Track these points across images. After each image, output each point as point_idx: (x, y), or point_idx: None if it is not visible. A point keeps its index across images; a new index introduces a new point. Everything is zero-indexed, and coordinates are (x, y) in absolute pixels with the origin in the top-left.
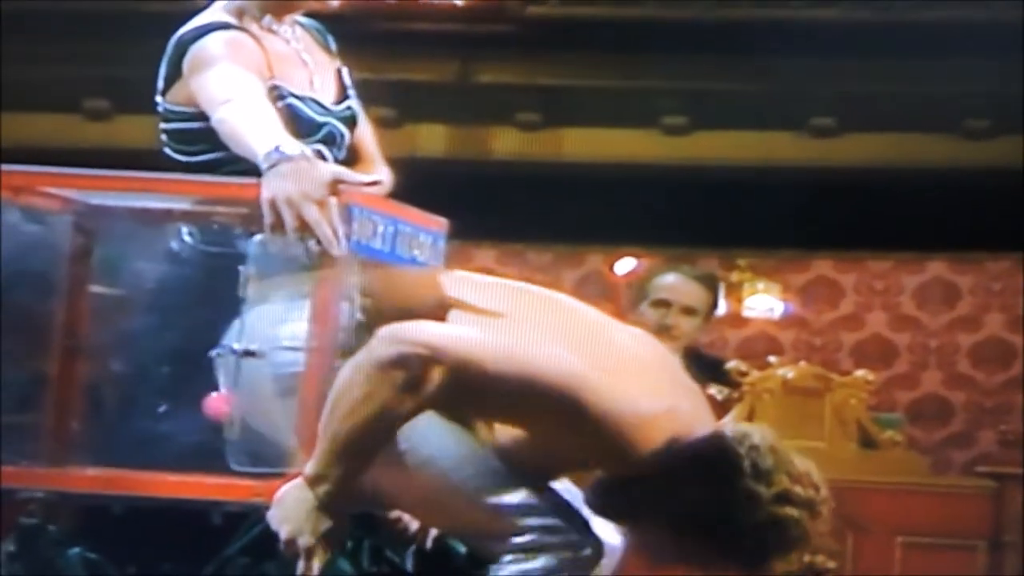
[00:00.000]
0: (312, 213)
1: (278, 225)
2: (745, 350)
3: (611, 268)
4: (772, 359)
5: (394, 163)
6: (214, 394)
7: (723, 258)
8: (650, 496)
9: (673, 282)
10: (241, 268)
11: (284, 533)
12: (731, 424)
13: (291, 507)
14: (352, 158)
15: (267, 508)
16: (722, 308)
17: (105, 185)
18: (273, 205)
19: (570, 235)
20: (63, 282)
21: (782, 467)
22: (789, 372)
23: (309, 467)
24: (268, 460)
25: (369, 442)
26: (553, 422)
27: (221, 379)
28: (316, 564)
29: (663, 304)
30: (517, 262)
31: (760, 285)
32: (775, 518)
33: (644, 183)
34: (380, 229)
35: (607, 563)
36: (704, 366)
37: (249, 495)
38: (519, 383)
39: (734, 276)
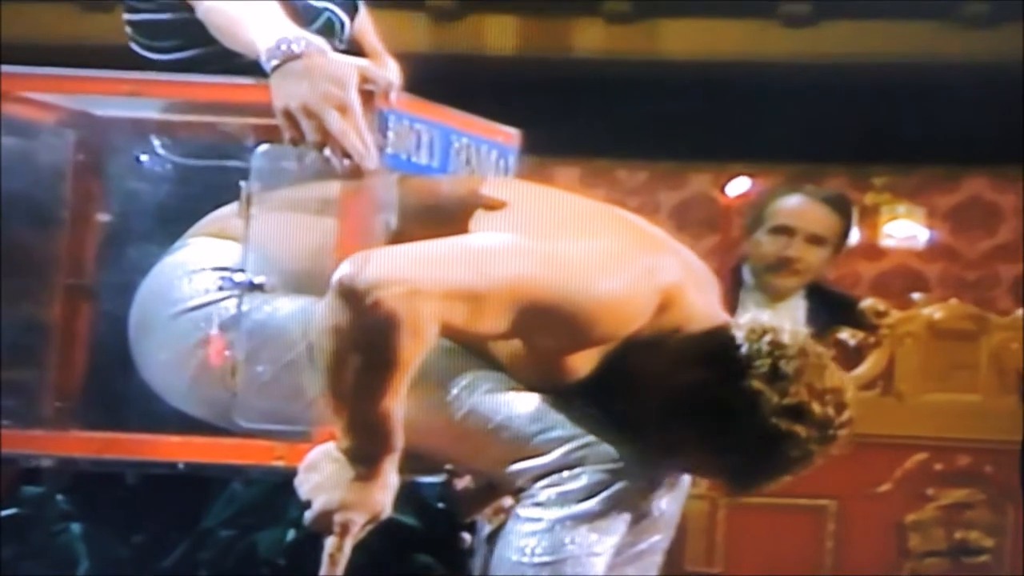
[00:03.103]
0: (335, 121)
1: (298, 138)
2: (883, 286)
3: (720, 189)
4: (916, 297)
5: (455, 61)
6: (208, 337)
7: (856, 176)
8: (646, 376)
9: (796, 206)
10: (242, 184)
11: (318, 504)
12: (755, 315)
13: (328, 475)
14: (353, 53)
15: (282, 472)
16: (855, 236)
17: (113, 88)
18: (288, 114)
19: (669, 149)
20: (64, 210)
21: (806, 377)
22: (936, 312)
23: (341, 438)
24: (287, 417)
25: (388, 405)
26: (556, 323)
27: (215, 319)
28: (349, 543)
29: (784, 232)
30: (605, 182)
31: (900, 209)
32: (778, 432)
33: (759, 85)
34: (426, 139)
35: (677, 491)
36: (833, 306)
37: (269, 458)
38: (512, 293)
39: (869, 198)
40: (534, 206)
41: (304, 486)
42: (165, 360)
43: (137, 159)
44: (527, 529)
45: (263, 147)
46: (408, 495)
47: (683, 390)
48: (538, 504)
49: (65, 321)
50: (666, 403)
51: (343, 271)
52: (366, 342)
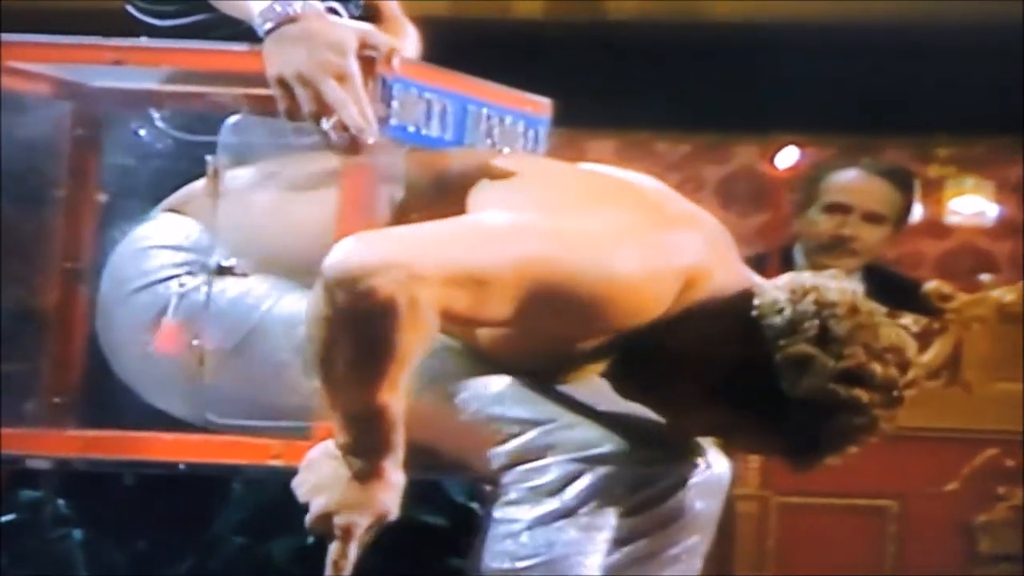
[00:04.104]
0: (333, 91)
1: (294, 108)
2: (948, 267)
3: (769, 162)
4: (984, 278)
5: (479, 26)
6: (163, 324)
7: (918, 147)
8: (676, 353)
9: (853, 180)
10: (209, 159)
11: (316, 506)
12: (794, 275)
13: (326, 474)
14: (369, 17)
15: (280, 472)
16: (917, 213)
17: (106, 56)
18: (282, 83)
19: (713, 120)
20: (60, 188)
21: (861, 336)
22: (1007, 295)
23: (337, 435)
24: (271, 413)
25: (385, 399)
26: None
27: (172, 302)
28: (353, 548)
29: (840, 209)
30: (642, 156)
31: (968, 183)
32: (837, 399)
33: (810, 48)
34: (437, 109)
35: (710, 488)
36: (893, 288)
37: (265, 457)
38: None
39: (932, 171)
40: (546, 180)
41: (302, 487)
42: (123, 343)
43: (136, 133)
44: (503, 532)
45: (233, 119)
46: (435, 494)
47: (721, 363)
48: (510, 503)
49: (60, 309)
50: (703, 380)
51: (334, 256)
52: (361, 332)
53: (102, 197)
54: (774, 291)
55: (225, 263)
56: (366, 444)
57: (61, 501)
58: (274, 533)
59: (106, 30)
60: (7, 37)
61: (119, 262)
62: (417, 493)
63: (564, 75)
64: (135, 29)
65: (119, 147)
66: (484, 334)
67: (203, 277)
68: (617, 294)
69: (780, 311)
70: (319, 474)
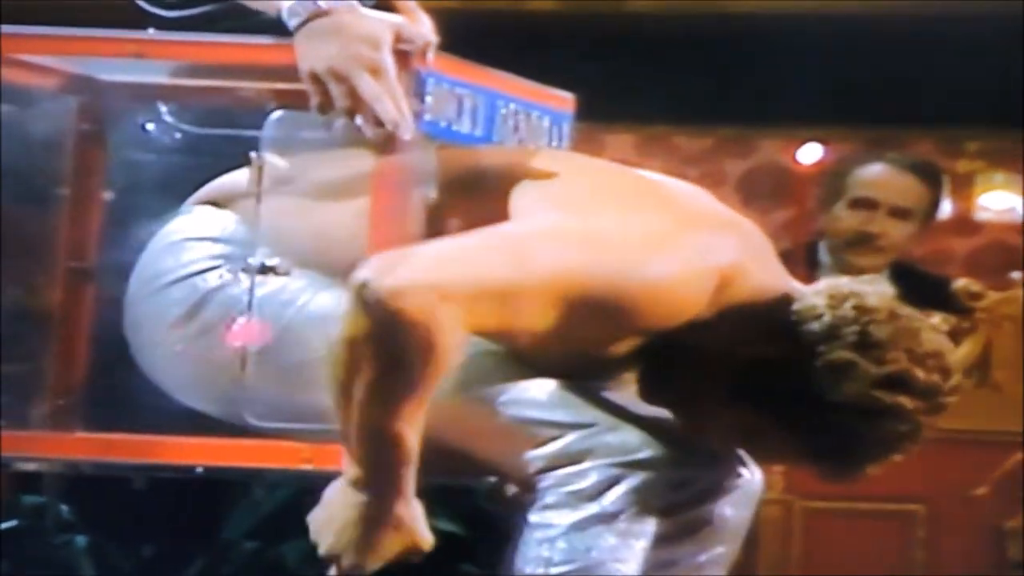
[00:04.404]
0: (368, 85)
1: (327, 103)
2: (977, 264)
3: (792, 157)
4: (1015, 276)
5: (493, 17)
6: (239, 322)
7: (947, 141)
8: (709, 358)
9: (878, 174)
10: (253, 155)
11: (324, 547)
12: (832, 280)
13: (337, 513)
14: (382, 9)
15: (309, 477)
16: (945, 209)
17: (118, 49)
18: (315, 78)
19: (734, 113)
20: (64, 185)
21: (902, 341)
22: None
23: (349, 468)
24: (313, 415)
25: (402, 430)
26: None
27: (235, 303)
28: None
29: (865, 204)
30: (662, 150)
31: (997, 178)
32: (880, 406)
33: (833, 39)
34: (469, 105)
35: (741, 497)
36: (921, 287)
37: (295, 461)
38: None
39: (961, 165)
40: (580, 179)
41: (314, 524)
42: (154, 340)
43: (143, 128)
44: (539, 536)
45: (277, 114)
46: (450, 500)
47: (754, 368)
48: (547, 507)
49: (65, 309)
50: (738, 386)
51: (363, 275)
52: (384, 355)
53: (108, 194)
54: (812, 296)
55: (268, 262)
56: (378, 480)
57: (64, 506)
58: (287, 536)
59: (106, 22)
60: (13, 29)
61: (150, 257)
62: (433, 499)
63: (581, 68)
64: (137, 21)
65: (126, 142)
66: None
67: (243, 274)
68: (652, 297)
69: (819, 316)
70: (330, 513)
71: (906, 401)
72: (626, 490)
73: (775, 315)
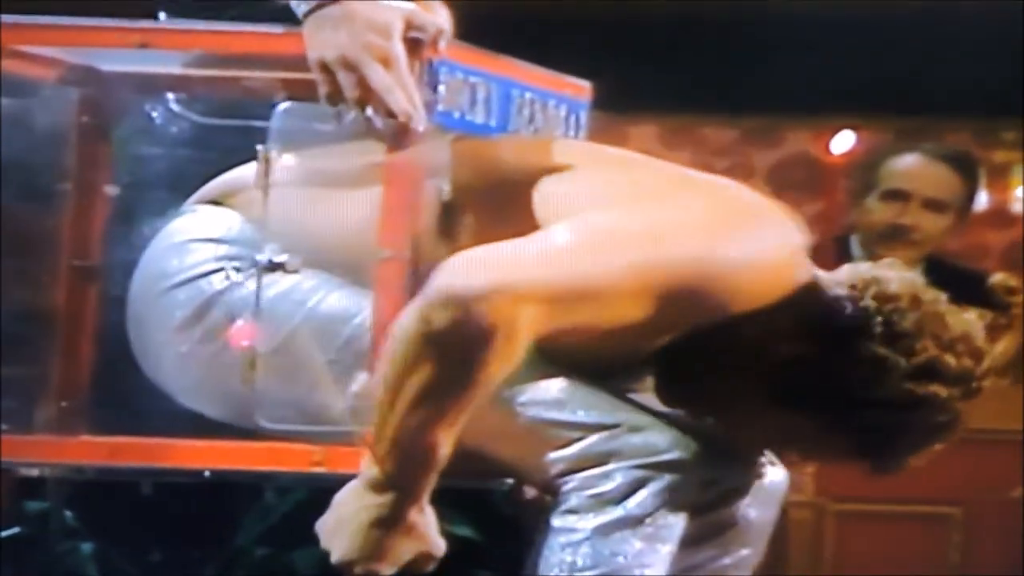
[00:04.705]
0: (378, 75)
1: (337, 94)
2: (1015, 259)
3: (823, 147)
4: None
5: (512, 3)
6: (246, 322)
7: (982, 131)
8: (739, 368)
9: (912, 165)
10: (259, 148)
11: (336, 554)
12: (853, 267)
13: (349, 519)
14: None
15: (321, 479)
16: (981, 201)
17: (122, 39)
18: (324, 67)
19: (763, 102)
20: (67, 181)
21: (929, 328)
22: None
23: (369, 469)
24: (323, 417)
25: (440, 436)
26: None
27: (240, 303)
28: None
29: (897, 196)
30: (687, 142)
31: None
32: (914, 398)
33: (864, 25)
34: (483, 94)
35: (765, 497)
36: (956, 282)
37: (306, 464)
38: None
39: (998, 156)
40: (625, 170)
41: (324, 530)
42: (159, 343)
43: (149, 118)
44: (563, 541)
45: (284, 105)
46: (465, 503)
47: (791, 370)
48: (570, 511)
49: (69, 308)
50: (773, 388)
51: (445, 278)
52: (449, 358)
53: (112, 190)
54: (835, 287)
55: (277, 259)
56: (401, 483)
57: (68, 512)
58: (298, 543)
59: (105, 10)
60: (14, 19)
61: (153, 258)
62: (448, 502)
63: (602, 55)
64: (139, 9)
65: (130, 135)
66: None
67: (250, 273)
68: (741, 276)
69: (842, 309)
70: (341, 518)
71: (940, 390)
72: (651, 492)
73: (803, 305)
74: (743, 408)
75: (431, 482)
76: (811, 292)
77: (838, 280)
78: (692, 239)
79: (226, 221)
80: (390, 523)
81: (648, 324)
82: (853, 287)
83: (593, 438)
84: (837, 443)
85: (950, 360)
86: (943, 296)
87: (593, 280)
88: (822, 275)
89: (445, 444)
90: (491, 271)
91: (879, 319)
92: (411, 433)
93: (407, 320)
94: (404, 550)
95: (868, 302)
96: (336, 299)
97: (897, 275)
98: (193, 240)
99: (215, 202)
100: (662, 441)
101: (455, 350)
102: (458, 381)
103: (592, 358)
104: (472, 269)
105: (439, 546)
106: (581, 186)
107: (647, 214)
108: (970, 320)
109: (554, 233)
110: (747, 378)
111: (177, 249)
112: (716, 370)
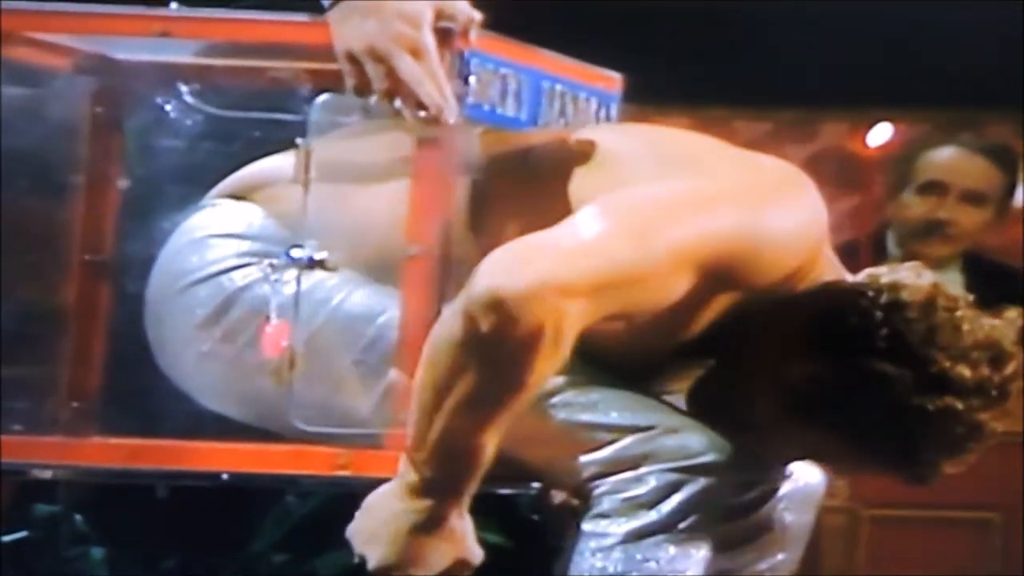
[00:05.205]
0: (408, 66)
1: (365, 86)
2: None
3: (859, 141)
4: None
5: None
6: (270, 325)
7: (1023, 123)
8: (758, 384)
9: (949, 157)
10: (299, 141)
11: (372, 560)
12: (871, 271)
13: (385, 522)
14: None
15: (346, 484)
16: (1022, 195)
17: (139, 28)
18: (352, 58)
19: (797, 94)
20: (79, 173)
21: (943, 335)
22: None
23: (406, 473)
24: (347, 419)
25: (486, 439)
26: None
27: (272, 301)
28: None
29: (934, 189)
30: (719, 135)
31: None
32: (927, 412)
33: (904, 13)
34: (514, 87)
35: (802, 501)
36: (995, 279)
37: (331, 468)
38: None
39: None
40: (656, 147)
41: (358, 536)
42: (178, 341)
43: (163, 109)
44: (594, 546)
45: (323, 97)
46: (491, 509)
47: (810, 381)
48: (602, 515)
49: (80, 306)
50: (794, 400)
51: (488, 279)
52: (496, 361)
53: (126, 183)
54: (849, 294)
55: (317, 256)
56: (443, 487)
57: (79, 516)
58: (319, 549)
59: None
60: (29, 5)
61: (173, 255)
62: (475, 508)
63: (631, 45)
64: None
65: (145, 127)
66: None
67: (275, 269)
68: (776, 247)
69: (848, 318)
70: (377, 523)
71: (955, 402)
72: (686, 496)
73: (819, 319)
74: (767, 423)
75: (474, 486)
76: (827, 300)
77: (855, 283)
78: (729, 209)
79: (248, 216)
80: (430, 528)
81: (690, 301)
82: (866, 295)
83: (627, 440)
84: (863, 457)
85: (963, 371)
86: (966, 299)
87: (636, 263)
88: (842, 281)
89: (490, 447)
90: (535, 267)
91: (885, 331)
92: (456, 438)
93: (450, 323)
94: (442, 555)
95: (877, 313)
96: (360, 297)
97: (913, 281)
98: (214, 236)
99: (236, 197)
100: (697, 443)
101: (503, 353)
102: (507, 384)
103: (623, 355)
104: (515, 267)
105: (477, 553)
106: (612, 169)
107: (681, 187)
108: (996, 324)
109: (588, 218)
110: (767, 394)
111: (198, 245)
112: (736, 386)
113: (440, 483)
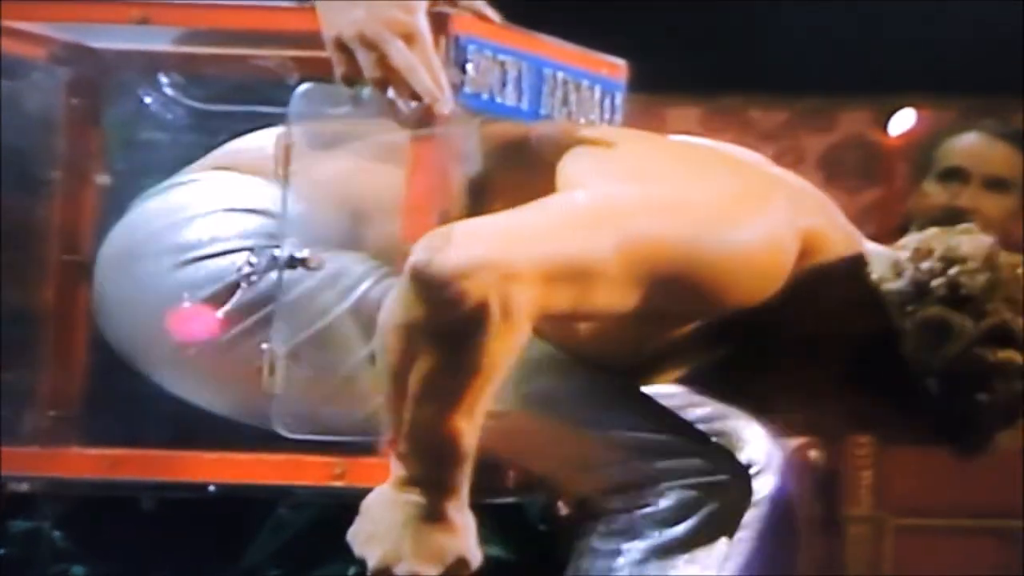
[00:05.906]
0: (400, 53)
1: (355, 74)
2: None
3: (881, 130)
4: None
5: None
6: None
7: None
8: (793, 345)
9: (971, 143)
10: (279, 131)
11: (373, 560)
12: (920, 235)
13: (384, 522)
14: None
15: (341, 493)
16: None
17: (118, 15)
18: (341, 45)
19: (815, 81)
20: (56, 169)
21: (1002, 290)
22: None
23: (396, 468)
24: (338, 426)
25: (461, 424)
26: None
27: (251, 294)
28: None
29: (956, 175)
30: (733, 124)
31: None
32: (986, 364)
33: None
34: (513, 74)
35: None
36: None
37: (326, 477)
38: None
39: None
40: (640, 148)
41: (357, 538)
42: (155, 331)
43: (142, 101)
44: (606, 565)
45: (304, 87)
46: (496, 521)
47: (843, 342)
48: (616, 533)
49: (59, 308)
50: (839, 370)
51: (420, 255)
52: (445, 343)
53: (105, 179)
54: (892, 252)
55: (298, 255)
56: (431, 479)
57: (59, 532)
58: (317, 561)
59: None
60: None
61: (156, 231)
62: (477, 519)
63: (640, 31)
64: None
65: (125, 120)
66: (576, 328)
67: (273, 265)
68: (737, 265)
69: (901, 273)
70: (375, 522)
71: (1015, 355)
72: (702, 515)
73: (855, 279)
74: (817, 395)
75: (464, 475)
76: (872, 260)
77: (903, 244)
78: (695, 220)
79: (241, 188)
80: (425, 519)
81: (645, 310)
82: (917, 250)
83: (643, 456)
84: (915, 422)
85: None
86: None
87: (584, 255)
88: (879, 248)
89: (467, 432)
90: (470, 246)
91: (943, 281)
92: (426, 426)
93: (390, 307)
94: (444, 548)
95: (933, 263)
96: (366, 303)
97: (970, 237)
98: (205, 212)
99: (224, 168)
100: (714, 462)
101: (447, 334)
102: (461, 367)
103: (608, 352)
104: (443, 247)
105: (477, 556)
106: (595, 161)
107: (654, 191)
108: None
109: (543, 206)
110: (816, 364)
111: (184, 221)
112: (784, 360)
113: (425, 476)
